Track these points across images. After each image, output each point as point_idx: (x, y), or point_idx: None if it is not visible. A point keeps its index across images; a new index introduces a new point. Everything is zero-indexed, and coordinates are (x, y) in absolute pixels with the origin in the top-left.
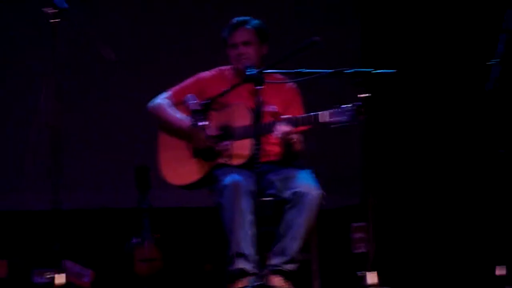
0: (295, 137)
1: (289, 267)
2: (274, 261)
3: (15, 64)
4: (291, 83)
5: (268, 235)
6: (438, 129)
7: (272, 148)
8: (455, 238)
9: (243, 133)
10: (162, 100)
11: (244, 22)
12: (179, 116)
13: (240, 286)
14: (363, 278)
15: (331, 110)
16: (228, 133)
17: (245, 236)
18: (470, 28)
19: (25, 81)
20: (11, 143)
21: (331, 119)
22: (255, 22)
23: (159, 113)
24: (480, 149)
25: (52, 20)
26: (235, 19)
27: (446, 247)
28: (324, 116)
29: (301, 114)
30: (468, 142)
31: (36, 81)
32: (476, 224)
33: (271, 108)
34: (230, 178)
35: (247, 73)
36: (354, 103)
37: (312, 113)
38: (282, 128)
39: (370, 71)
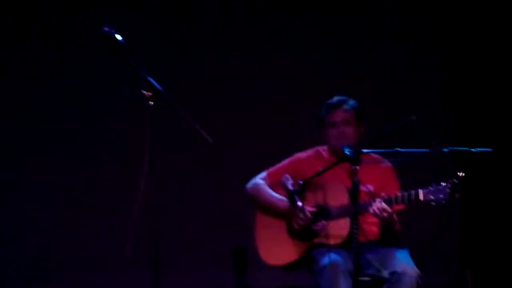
0: (393, 216)
1: None
2: None
3: (113, 143)
4: (387, 163)
5: None
6: None
7: (370, 228)
8: None
9: (340, 213)
10: (259, 181)
11: (344, 102)
12: (276, 197)
13: None
14: None
15: (427, 189)
16: (324, 212)
17: None
18: None
19: (124, 162)
20: (113, 225)
21: (427, 198)
22: (353, 102)
23: (256, 193)
24: None
25: (150, 102)
26: (334, 98)
27: None
28: (421, 194)
29: (397, 193)
30: None
31: (136, 162)
32: None
33: (367, 187)
34: (328, 259)
35: (345, 152)
36: (450, 181)
37: (408, 191)
38: (378, 206)
39: (467, 150)
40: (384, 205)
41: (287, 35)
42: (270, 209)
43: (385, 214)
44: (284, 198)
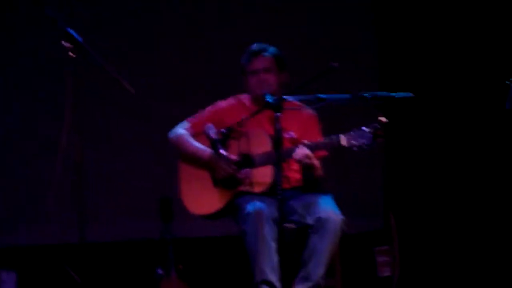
0: (315, 162)
1: None
2: (299, 287)
3: (36, 96)
4: (309, 110)
5: (292, 261)
6: (459, 149)
7: (294, 175)
8: (481, 257)
9: (264, 160)
10: (182, 131)
11: (264, 50)
12: (199, 147)
13: None
14: None
15: (349, 134)
16: (248, 160)
17: (269, 264)
18: (489, 47)
19: (46, 114)
20: (34, 177)
21: (350, 143)
22: (274, 49)
23: (179, 144)
24: (501, 167)
25: (70, 53)
26: (254, 46)
27: (472, 267)
28: (343, 139)
29: (319, 139)
30: (489, 161)
31: (58, 114)
32: (504, 243)
33: (290, 134)
34: (252, 206)
35: (267, 100)
36: (372, 126)
37: (329, 137)
38: (302, 152)
39: (389, 95)
40: (306, 151)
41: None
42: (193, 159)
43: (307, 160)
44: (207, 148)
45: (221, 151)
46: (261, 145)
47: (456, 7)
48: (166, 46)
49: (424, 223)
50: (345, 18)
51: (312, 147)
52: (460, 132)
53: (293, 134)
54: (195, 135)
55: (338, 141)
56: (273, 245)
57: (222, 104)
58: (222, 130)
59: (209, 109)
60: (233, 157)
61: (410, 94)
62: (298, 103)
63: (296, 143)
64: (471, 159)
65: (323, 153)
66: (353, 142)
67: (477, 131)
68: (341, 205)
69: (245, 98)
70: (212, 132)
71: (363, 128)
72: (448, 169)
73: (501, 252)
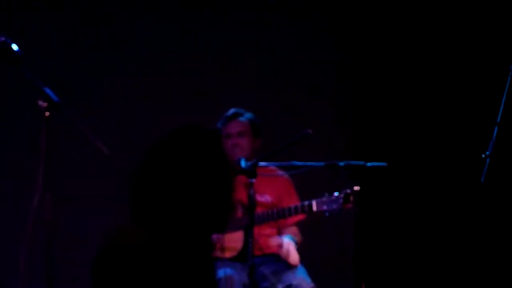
0: (289, 249)
1: None
2: None
3: (8, 155)
4: (284, 175)
5: None
6: (432, 221)
7: (265, 241)
8: None
9: (234, 225)
10: None
11: (239, 114)
12: None
13: None
14: None
15: (321, 199)
16: None
17: None
18: (463, 121)
19: (19, 175)
20: (4, 238)
21: (321, 208)
22: (249, 115)
23: None
24: (477, 240)
25: (46, 113)
26: (230, 111)
27: None
28: (314, 205)
29: (296, 203)
30: (463, 233)
31: (30, 175)
32: None
33: (264, 198)
34: (222, 272)
35: (241, 165)
36: (343, 191)
37: (301, 202)
38: (274, 243)
39: (362, 164)
40: (278, 241)
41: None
42: None
43: (281, 251)
44: None
45: None
46: None
47: (430, 76)
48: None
49: None
50: (322, 86)
51: (285, 213)
52: (434, 204)
53: (268, 198)
54: None
55: (310, 206)
56: None
57: None
58: None
59: None
60: None
61: (384, 164)
62: (274, 168)
63: (272, 207)
64: (445, 231)
65: (299, 217)
66: (324, 207)
67: (452, 204)
68: (312, 272)
69: None
70: None
71: (335, 194)
72: (420, 240)
73: None
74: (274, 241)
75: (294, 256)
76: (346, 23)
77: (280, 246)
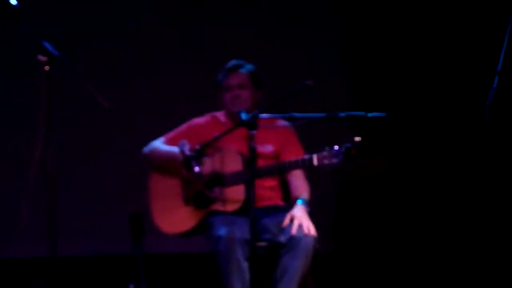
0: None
1: None
2: None
3: (7, 111)
4: (285, 125)
5: (264, 279)
6: (433, 174)
7: (267, 193)
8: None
9: (235, 179)
10: (157, 143)
11: (240, 66)
12: (173, 149)
13: None
14: None
15: (322, 153)
16: (219, 179)
17: (240, 284)
18: (465, 69)
19: (20, 128)
20: (6, 191)
21: (322, 162)
22: (250, 66)
23: (152, 152)
24: (475, 196)
25: (45, 67)
26: (230, 63)
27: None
28: (319, 159)
29: (299, 152)
30: (464, 186)
31: (31, 130)
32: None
33: (266, 148)
34: (224, 229)
35: (241, 117)
36: (344, 145)
37: (306, 157)
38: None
39: (362, 115)
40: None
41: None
42: (166, 163)
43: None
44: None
45: (195, 167)
46: (233, 164)
47: (430, 24)
48: (147, 62)
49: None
50: (320, 37)
51: (285, 167)
52: (433, 154)
53: (270, 147)
54: None
55: (311, 161)
56: (245, 265)
57: (198, 120)
58: (196, 146)
59: (184, 125)
60: (205, 175)
61: (384, 114)
62: (274, 119)
63: (276, 157)
64: (442, 184)
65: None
66: (325, 161)
67: (451, 154)
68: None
69: (220, 114)
70: (186, 149)
71: (336, 147)
72: (420, 192)
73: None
74: (286, 219)
75: (309, 228)
76: None
77: (292, 219)
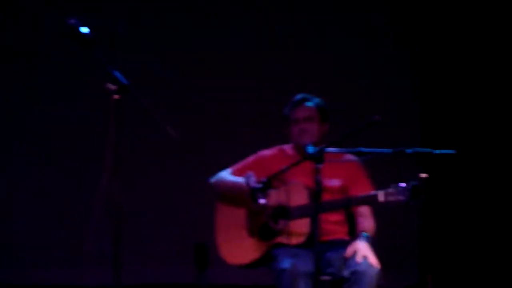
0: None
1: None
2: None
3: (76, 139)
4: (353, 159)
5: None
6: (499, 209)
7: (332, 227)
8: None
9: (301, 212)
10: (223, 173)
11: (307, 99)
12: (239, 179)
13: None
14: None
15: (388, 190)
16: (285, 212)
17: None
18: None
19: (87, 156)
20: (74, 218)
21: (387, 199)
22: (317, 99)
23: (219, 182)
24: None
25: (114, 96)
26: (298, 96)
27: None
28: (384, 195)
29: (368, 187)
30: None
31: (99, 160)
32: None
33: (334, 182)
34: (288, 261)
35: (307, 151)
36: (411, 183)
37: (371, 193)
38: (351, 251)
39: (430, 152)
40: (353, 249)
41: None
42: (232, 194)
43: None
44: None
45: (260, 200)
46: (299, 197)
47: (497, 62)
48: (211, 86)
49: (461, 279)
50: (389, 72)
51: (351, 202)
52: (501, 191)
53: (337, 182)
54: None
55: (376, 197)
56: None
57: (265, 152)
58: (263, 179)
59: (251, 157)
60: (270, 207)
61: (453, 151)
62: (344, 154)
63: (343, 191)
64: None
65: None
66: (391, 198)
67: None
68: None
69: (287, 147)
70: (252, 181)
71: (402, 184)
72: (487, 229)
73: None
74: (348, 250)
75: (372, 260)
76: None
77: (356, 251)
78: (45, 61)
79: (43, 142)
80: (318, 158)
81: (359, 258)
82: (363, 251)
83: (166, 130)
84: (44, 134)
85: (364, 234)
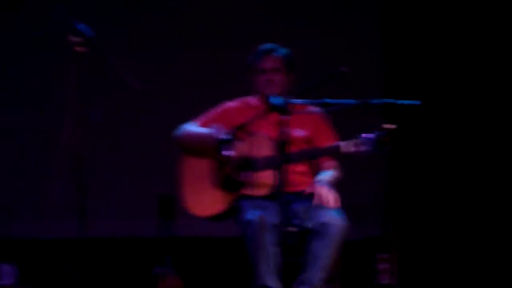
0: (328, 193)
1: None
2: None
3: (38, 91)
4: (318, 111)
5: (293, 265)
6: (464, 158)
7: (297, 178)
8: (480, 265)
9: (266, 164)
10: (189, 125)
11: (273, 50)
12: (206, 130)
13: None
14: None
15: (353, 140)
16: (250, 163)
17: (269, 269)
18: (498, 56)
19: (49, 108)
20: (36, 171)
21: (354, 149)
22: (283, 50)
23: (184, 134)
24: (506, 176)
25: (77, 48)
26: (264, 46)
27: (470, 275)
28: (347, 146)
29: (333, 138)
30: (494, 170)
31: (61, 109)
32: (507, 247)
33: (299, 132)
34: (254, 213)
35: (272, 102)
36: (377, 133)
37: (334, 144)
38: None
39: (395, 102)
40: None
41: None
42: (198, 146)
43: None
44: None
45: (225, 151)
46: (264, 149)
47: (468, 13)
48: (175, 45)
49: (426, 231)
50: (353, 22)
51: (315, 154)
52: (466, 141)
53: (302, 132)
54: None
55: (338, 148)
56: (274, 250)
57: (229, 104)
58: (228, 131)
59: (216, 109)
60: (235, 159)
61: (418, 102)
62: (308, 105)
63: (308, 141)
64: (476, 169)
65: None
66: (355, 148)
67: (483, 140)
68: (343, 210)
69: (252, 99)
70: (219, 133)
71: (366, 135)
72: (452, 178)
73: (503, 256)
74: (308, 189)
75: (331, 200)
76: None
77: (316, 193)
78: None
79: (5, 93)
80: (283, 109)
81: (324, 205)
82: (324, 193)
83: (130, 81)
84: (6, 83)
85: (325, 173)
